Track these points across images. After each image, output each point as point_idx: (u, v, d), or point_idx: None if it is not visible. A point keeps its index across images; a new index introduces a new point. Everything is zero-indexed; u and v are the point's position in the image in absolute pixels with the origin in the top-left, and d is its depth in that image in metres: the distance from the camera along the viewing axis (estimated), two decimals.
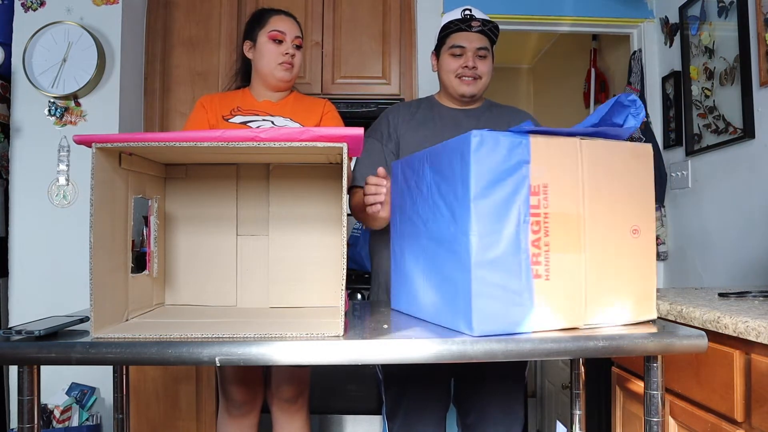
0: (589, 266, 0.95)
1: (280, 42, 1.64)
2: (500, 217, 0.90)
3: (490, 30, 1.59)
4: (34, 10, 2.34)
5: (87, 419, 2.18)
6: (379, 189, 1.28)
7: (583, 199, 0.95)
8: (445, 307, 0.99)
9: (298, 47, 1.67)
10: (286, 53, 1.63)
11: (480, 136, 0.91)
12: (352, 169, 1.67)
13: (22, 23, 2.33)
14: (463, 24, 1.57)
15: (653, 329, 0.96)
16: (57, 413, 2.11)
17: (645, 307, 1.00)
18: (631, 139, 2.65)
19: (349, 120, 2.44)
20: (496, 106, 1.71)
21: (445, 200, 0.98)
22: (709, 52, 2.31)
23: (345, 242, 0.93)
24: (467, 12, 1.58)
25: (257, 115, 1.66)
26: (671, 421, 1.40)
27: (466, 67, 1.57)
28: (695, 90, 2.42)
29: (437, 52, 1.66)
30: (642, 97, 2.70)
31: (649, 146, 1.03)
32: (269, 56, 1.64)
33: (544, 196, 0.92)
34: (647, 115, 2.68)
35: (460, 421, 1.62)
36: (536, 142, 0.93)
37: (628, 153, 1.00)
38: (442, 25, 1.62)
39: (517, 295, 0.91)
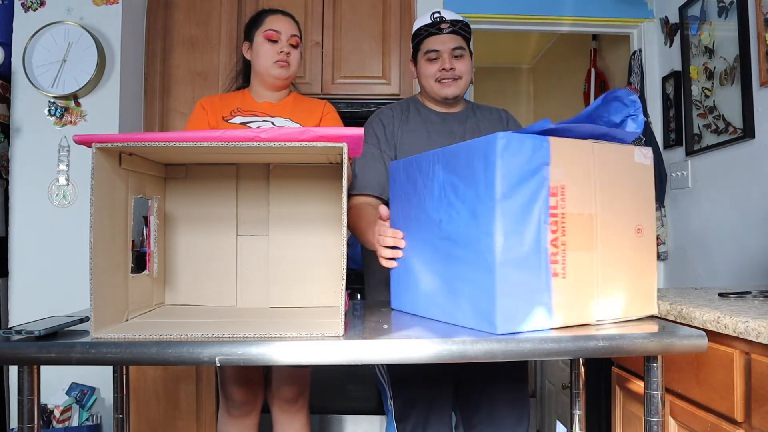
0: (599, 264, 0.99)
1: (275, 41, 1.64)
2: (523, 218, 0.92)
3: (461, 29, 1.59)
4: (34, 10, 2.34)
5: (87, 419, 2.18)
6: (398, 242, 1.20)
7: (595, 199, 0.99)
8: (464, 306, 1.00)
9: (294, 46, 1.67)
10: (281, 51, 1.63)
11: (506, 138, 0.92)
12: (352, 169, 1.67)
13: (22, 23, 2.33)
14: (433, 28, 1.57)
15: (654, 328, 0.96)
16: (57, 413, 2.11)
17: (647, 302, 1.06)
18: None
19: (349, 120, 2.44)
20: (478, 108, 1.71)
21: (464, 201, 0.99)
22: (709, 52, 2.31)
23: (345, 242, 0.93)
24: (437, 15, 1.58)
25: (257, 116, 1.66)
26: (671, 421, 1.40)
27: (443, 69, 1.57)
28: (695, 90, 2.42)
29: (414, 59, 1.66)
30: (642, 97, 2.70)
31: (650, 150, 1.08)
32: (265, 55, 1.64)
33: (561, 197, 0.95)
34: (647, 115, 2.68)
35: (463, 422, 1.62)
36: (555, 144, 0.96)
37: (633, 156, 1.06)
38: (413, 31, 1.62)
39: (537, 293, 0.93)
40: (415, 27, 1.62)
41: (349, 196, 1.61)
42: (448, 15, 1.59)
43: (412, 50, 1.66)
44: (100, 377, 2.27)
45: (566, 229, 0.95)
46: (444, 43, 1.57)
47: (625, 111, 1.02)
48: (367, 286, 1.71)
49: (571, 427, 1.37)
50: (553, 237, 0.94)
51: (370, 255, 1.65)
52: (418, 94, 1.72)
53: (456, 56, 1.58)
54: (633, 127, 1.03)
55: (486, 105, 1.74)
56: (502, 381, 1.55)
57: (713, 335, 1.19)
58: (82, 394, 2.22)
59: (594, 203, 0.99)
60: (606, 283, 1.00)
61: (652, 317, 1.07)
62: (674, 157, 2.59)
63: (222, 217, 1.23)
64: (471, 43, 1.65)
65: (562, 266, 0.95)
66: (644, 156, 1.07)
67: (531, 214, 0.93)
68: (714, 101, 2.28)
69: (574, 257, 0.96)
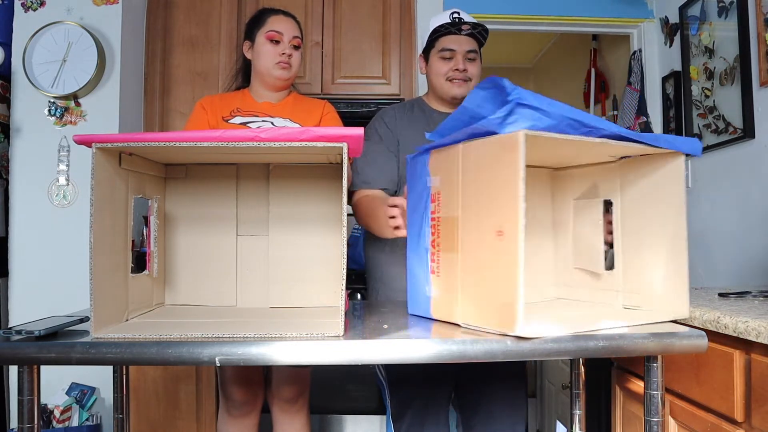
0: (462, 267, 0.99)
1: (278, 42, 1.64)
2: (417, 222, 1.12)
3: (479, 33, 1.60)
4: (34, 10, 2.34)
5: (87, 419, 2.18)
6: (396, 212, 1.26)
7: (458, 202, 1.00)
8: None
9: (296, 47, 1.67)
10: (283, 53, 1.63)
11: (409, 158, 1.16)
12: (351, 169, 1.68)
13: (22, 23, 2.33)
14: (453, 27, 1.58)
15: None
16: (57, 413, 2.11)
17: (506, 318, 0.87)
18: None
19: (349, 120, 2.44)
20: None
21: None
22: (709, 52, 2.31)
23: (345, 242, 0.93)
24: (456, 15, 1.59)
25: (257, 116, 1.66)
26: (671, 421, 1.40)
27: (456, 69, 1.58)
28: (695, 90, 2.42)
29: (426, 54, 1.66)
30: (642, 97, 2.70)
31: (515, 135, 0.84)
32: (266, 56, 1.64)
33: (438, 202, 1.06)
34: (647, 115, 2.68)
35: (463, 422, 1.62)
36: (433, 156, 1.09)
37: (497, 147, 0.89)
38: (431, 28, 1.63)
39: (423, 285, 1.10)
40: (434, 24, 1.62)
41: (352, 193, 1.61)
42: (467, 17, 1.60)
43: (425, 45, 1.66)
44: (100, 377, 2.27)
45: (440, 231, 1.05)
46: (460, 44, 1.59)
47: (499, 98, 0.88)
48: (369, 286, 1.71)
49: (571, 427, 1.37)
50: (432, 238, 1.07)
51: (372, 255, 1.65)
52: (423, 96, 1.73)
53: (469, 59, 1.60)
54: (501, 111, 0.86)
55: None
56: (499, 382, 1.55)
57: (713, 335, 1.19)
58: (82, 394, 2.22)
59: (457, 206, 1.00)
60: (466, 287, 0.97)
61: (516, 337, 0.86)
62: None
63: (222, 217, 1.23)
64: (483, 47, 1.66)
65: (437, 264, 1.06)
66: (510, 145, 0.85)
67: (420, 218, 1.11)
68: (714, 101, 2.28)
69: (444, 257, 1.04)
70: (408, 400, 1.54)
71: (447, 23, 1.59)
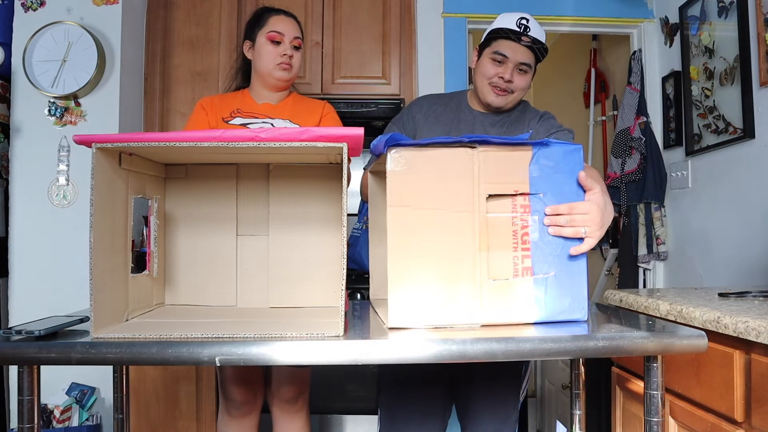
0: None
1: (279, 43, 1.64)
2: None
3: (539, 50, 1.53)
4: (34, 10, 2.34)
5: (87, 419, 2.18)
6: None
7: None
8: None
9: (297, 48, 1.67)
10: (284, 54, 1.63)
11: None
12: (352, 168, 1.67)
13: (22, 23, 2.33)
14: (514, 35, 1.51)
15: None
16: (57, 413, 2.11)
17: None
18: (631, 139, 2.65)
19: (348, 120, 2.44)
20: (520, 111, 1.63)
21: None
22: (709, 52, 2.31)
23: (345, 242, 0.93)
24: (523, 22, 1.52)
25: (257, 117, 1.66)
26: (671, 421, 1.40)
27: (501, 78, 1.52)
28: (695, 90, 2.42)
29: (480, 49, 1.59)
30: (642, 97, 2.70)
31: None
32: (267, 57, 1.64)
33: None
34: (647, 115, 2.68)
35: (459, 420, 1.62)
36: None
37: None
38: (494, 27, 1.55)
39: None
40: (498, 23, 1.55)
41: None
42: (534, 27, 1.52)
43: (482, 40, 1.58)
44: (100, 377, 2.27)
45: None
46: (516, 53, 1.51)
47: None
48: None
49: (571, 427, 1.37)
50: None
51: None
52: (469, 90, 1.67)
53: (521, 70, 1.53)
54: None
55: (533, 108, 1.66)
56: (488, 382, 1.52)
57: (713, 335, 1.20)
58: (82, 394, 2.22)
59: None
60: None
61: None
62: (674, 157, 2.59)
63: (222, 217, 1.23)
64: (539, 63, 1.59)
65: None
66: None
67: None
68: (714, 101, 2.28)
69: None
70: (400, 399, 1.54)
71: (508, 29, 1.51)
